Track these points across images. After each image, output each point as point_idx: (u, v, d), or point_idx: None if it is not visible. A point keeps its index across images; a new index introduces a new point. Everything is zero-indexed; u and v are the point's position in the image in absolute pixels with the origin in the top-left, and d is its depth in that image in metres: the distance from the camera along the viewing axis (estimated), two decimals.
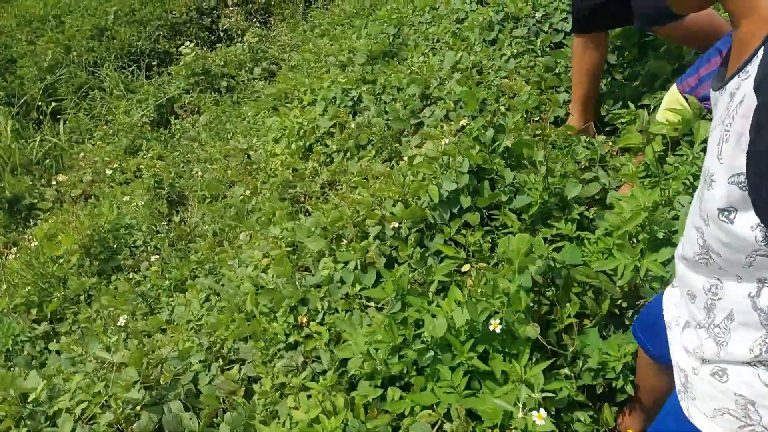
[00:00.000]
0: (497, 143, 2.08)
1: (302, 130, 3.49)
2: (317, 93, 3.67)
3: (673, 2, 0.95)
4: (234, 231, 3.22)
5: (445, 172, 2.17)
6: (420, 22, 4.22)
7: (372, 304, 2.01)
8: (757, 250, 0.84)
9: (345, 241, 2.12)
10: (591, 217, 2.12)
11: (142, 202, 3.65)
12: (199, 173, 4.15)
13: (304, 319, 2.13)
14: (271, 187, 3.17)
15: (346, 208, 2.47)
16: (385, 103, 3.14)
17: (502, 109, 2.32)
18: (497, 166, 2.06)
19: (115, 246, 3.63)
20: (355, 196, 2.34)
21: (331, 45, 5.31)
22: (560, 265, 1.79)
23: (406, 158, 2.64)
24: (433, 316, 1.70)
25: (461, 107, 2.81)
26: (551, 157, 2.03)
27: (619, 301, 1.89)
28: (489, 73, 3.00)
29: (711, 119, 1.98)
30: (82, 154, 4.89)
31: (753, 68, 0.74)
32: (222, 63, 5.67)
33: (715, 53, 2.09)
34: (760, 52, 0.74)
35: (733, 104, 0.78)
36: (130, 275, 3.46)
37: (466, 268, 1.98)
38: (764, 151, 0.72)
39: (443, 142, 2.18)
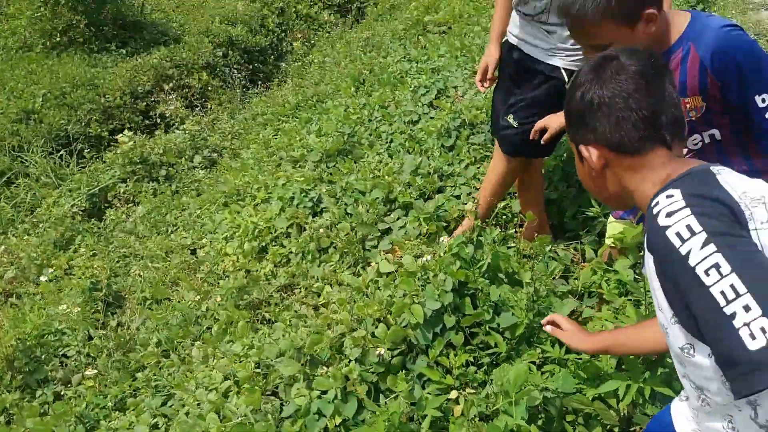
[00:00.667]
0: (480, 263, 2.05)
1: (257, 230, 3.35)
2: (272, 191, 3.58)
3: (602, 198, 1.25)
4: (183, 341, 2.99)
5: (424, 288, 2.10)
6: (370, 120, 4.26)
7: None
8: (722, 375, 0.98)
9: (323, 367, 1.98)
10: None
11: (77, 308, 3.35)
12: (138, 272, 3.89)
13: None
14: (226, 292, 2.99)
15: (316, 321, 2.34)
16: (346, 205, 3.08)
17: (478, 222, 2.31)
18: (481, 285, 2.02)
19: (42, 356, 3.27)
20: (333, 314, 2.22)
21: (275, 137, 5.25)
22: (554, 394, 1.74)
23: (375, 266, 2.56)
24: None
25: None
26: (538, 279, 2.02)
27: (608, 427, 1.84)
28: (450, 178, 3.03)
29: None
30: (3, 247, 4.51)
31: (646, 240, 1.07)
32: (161, 151, 5.48)
33: None
34: (646, 227, 1.07)
35: (648, 266, 1.09)
36: (60, 390, 3.12)
37: (453, 394, 1.88)
38: (669, 287, 1.02)
39: (426, 258, 2.13)
